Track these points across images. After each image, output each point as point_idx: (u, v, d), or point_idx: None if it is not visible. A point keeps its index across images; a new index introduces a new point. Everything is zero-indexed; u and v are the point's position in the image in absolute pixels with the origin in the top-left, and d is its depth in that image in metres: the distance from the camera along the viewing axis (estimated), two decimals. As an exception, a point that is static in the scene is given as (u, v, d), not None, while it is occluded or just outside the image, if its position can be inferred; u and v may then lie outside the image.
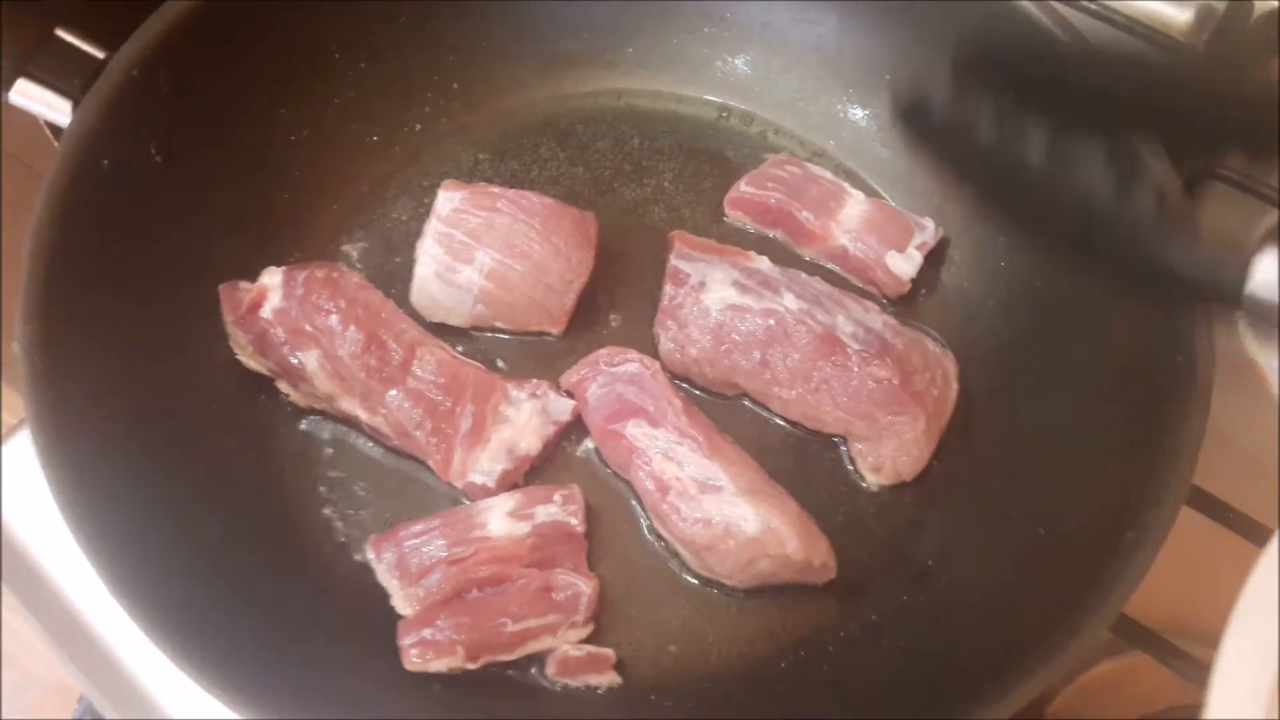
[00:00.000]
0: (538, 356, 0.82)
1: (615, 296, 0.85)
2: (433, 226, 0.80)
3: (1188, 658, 0.65)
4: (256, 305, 0.76)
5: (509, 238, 0.80)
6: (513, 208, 0.81)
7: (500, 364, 0.81)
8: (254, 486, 0.75)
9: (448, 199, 0.81)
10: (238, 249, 0.81)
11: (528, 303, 0.80)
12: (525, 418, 0.76)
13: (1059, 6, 0.85)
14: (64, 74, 0.72)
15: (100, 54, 0.73)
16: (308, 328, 0.75)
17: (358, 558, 0.74)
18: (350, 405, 0.76)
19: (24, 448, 0.81)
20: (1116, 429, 0.69)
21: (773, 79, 0.93)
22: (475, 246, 0.79)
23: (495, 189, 0.82)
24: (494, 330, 0.82)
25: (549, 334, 0.82)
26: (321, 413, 0.78)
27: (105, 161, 0.72)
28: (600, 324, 0.84)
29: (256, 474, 0.76)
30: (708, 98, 0.93)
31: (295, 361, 0.75)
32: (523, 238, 0.80)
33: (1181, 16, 0.98)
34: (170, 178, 0.76)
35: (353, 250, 0.86)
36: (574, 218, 0.82)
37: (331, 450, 0.78)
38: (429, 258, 0.80)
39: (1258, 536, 0.67)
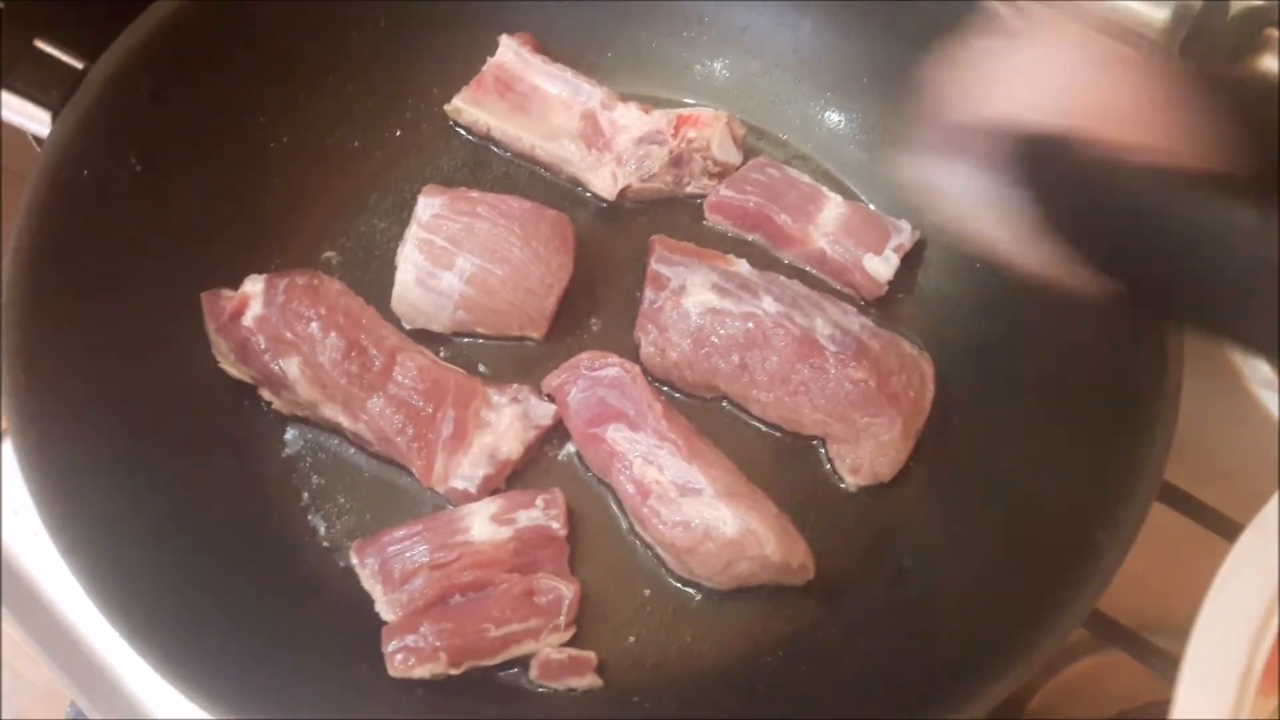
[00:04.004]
0: (519, 360, 0.83)
1: (597, 300, 0.85)
2: (413, 232, 0.81)
3: (1163, 654, 0.66)
4: (238, 313, 0.76)
5: (489, 243, 0.80)
6: (492, 212, 0.81)
7: (482, 369, 0.82)
8: (237, 493, 0.76)
9: (428, 204, 0.81)
10: (219, 257, 0.81)
11: (509, 308, 0.81)
12: (506, 422, 0.76)
13: (1034, 5, 0.86)
14: (43, 85, 0.72)
15: (79, 64, 0.73)
16: (289, 335, 0.75)
17: (342, 563, 0.75)
18: (332, 412, 0.76)
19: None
20: (1089, 428, 0.69)
21: (751, 82, 0.93)
22: (456, 252, 0.80)
23: (475, 194, 0.83)
24: (475, 335, 0.83)
25: (530, 338, 0.83)
26: (305, 420, 0.79)
27: (85, 171, 0.72)
28: (581, 328, 0.84)
29: (240, 481, 0.76)
30: (687, 101, 0.94)
31: (277, 369, 0.75)
32: (503, 243, 0.80)
33: (1158, 15, 0.99)
34: (151, 187, 0.76)
35: (334, 256, 0.86)
36: (552, 220, 0.82)
37: (314, 456, 0.79)
38: (409, 264, 0.80)
39: (1229, 531, 0.68)
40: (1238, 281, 0.43)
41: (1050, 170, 0.48)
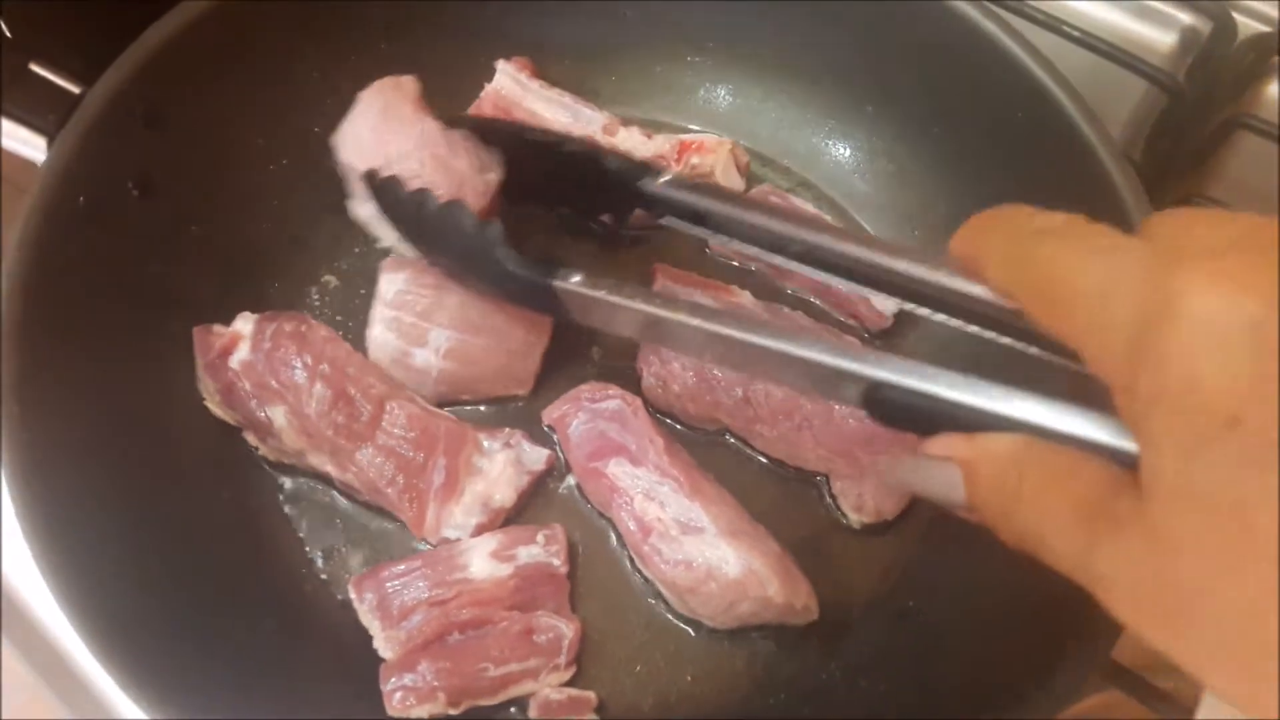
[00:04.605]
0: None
1: (599, 330, 0.84)
2: (379, 313, 0.78)
3: (1169, 698, 0.66)
4: (226, 352, 0.75)
5: (462, 313, 0.78)
6: (460, 282, 0.79)
7: (482, 408, 0.81)
8: (233, 524, 0.74)
9: (390, 281, 0.79)
10: (217, 282, 0.80)
11: (493, 374, 0.79)
12: (499, 469, 0.75)
13: (1040, 31, 0.85)
14: (38, 110, 0.71)
15: (76, 89, 0.72)
16: (273, 384, 0.74)
17: (340, 596, 0.74)
18: (319, 461, 0.74)
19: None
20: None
21: (755, 109, 0.93)
22: (428, 327, 0.77)
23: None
24: (460, 403, 0.81)
25: (517, 397, 0.82)
26: (291, 467, 0.77)
27: (81, 198, 0.70)
28: (583, 358, 0.83)
29: (235, 512, 0.75)
30: (691, 127, 0.93)
31: (263, 416, 0.74)
32: (476, 310, 0.78)
33: (1166, 41, 0.98)
34: (147, 212, 0.75)
35: (333, 280, 0.86)
36: None
37: (313, 486, 0.78)
38: (380, 346, 0.78)
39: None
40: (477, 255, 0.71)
41: (381, 195, 0.75)
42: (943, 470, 0.46)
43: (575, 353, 0.83)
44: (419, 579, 0.71)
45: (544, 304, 0.69)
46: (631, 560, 0.75)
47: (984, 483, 0.45)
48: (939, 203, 0.86)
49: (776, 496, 0.78)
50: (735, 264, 0.87)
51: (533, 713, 0.69)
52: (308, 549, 0.76)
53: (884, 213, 0.89)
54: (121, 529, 0.67)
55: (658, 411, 0.80)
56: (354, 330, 0.82)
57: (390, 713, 0.67)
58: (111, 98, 0.72)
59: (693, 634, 0.74)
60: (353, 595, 0.72)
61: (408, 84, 0.82)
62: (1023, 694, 0.61)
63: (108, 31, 0.75)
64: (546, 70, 0.92)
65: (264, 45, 0.81)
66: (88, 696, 0.76)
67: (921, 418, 0.51)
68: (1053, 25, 0.89)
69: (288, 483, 0.78)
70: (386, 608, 0.71)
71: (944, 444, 0.47)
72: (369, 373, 0.76)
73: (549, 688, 0.69)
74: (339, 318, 0.84)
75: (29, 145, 0.72)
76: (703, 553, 0.70)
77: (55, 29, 0.76)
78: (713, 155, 0.87)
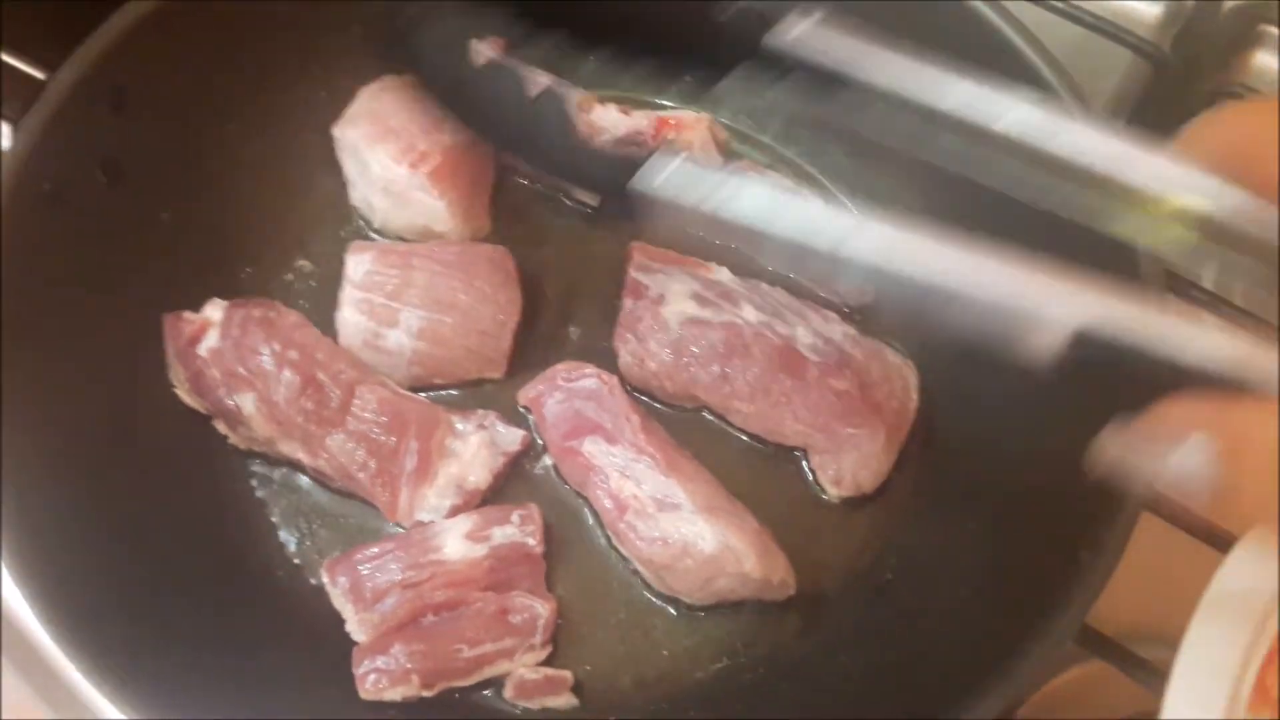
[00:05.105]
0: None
1: (576, 308, 0.83)
2: (348, 295, 0.78)
3: (1150, 667, 0.65)
4: (195, 340, 0.74)
5: (431, 292, 0.77)
6: (427, 262, 0.79)
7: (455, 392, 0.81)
8: (205, 512, 0.74)
9: (357, 262, 0.78)
10: (188, 269, 0.79)
11: (464, 354, 0.79)
12: (473, 450, 0.74)
13: (1023, 4, 0.84)
14: (2, 96, 0.71)
15: (40, 75, 0.72)
16: (242, 371, 0.73)
17: (313, 580, 0.73)
18: (291, 449, 0.74)
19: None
20: (1075, 440, 0.68)
21: (734, 85, 0.91)
22: (398, 307, 0.77)
23: (403, 246, 0.81)
24: (432, 388, 0.80)
25: (490, 379, 0.80)
26: (262, 456, 0.76)
27: (46, 184, 0.70)
28: (560, 336, 0.82)
29: (207, 499, 0.74)
30: (668, 104, 0.92)
31: (231, 404, 0.73)
32: (445, 290, 0.78)
33: (1151, 12, 0.97)
34: (115, 198, 0.74)
35: (307, 264, 0.85)
36: (489, 256, 0.80)
37: (284, 471, 0.77)
38: (352, 328, 0.77)
39: (1223, 543, 0.66)
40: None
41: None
42: (1187, 448, 0.37)
43: (551, 333, 0.82)
44: (392, 561, 0.70)
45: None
46: (608, 538, 0.74)
47: (1259, 461, 0.36)
48: (919, 178, 0.85)
49: (755, 472, 0.77)
50: (714, 240, 0.86)
51: (508, 693, 0.69)
52: (280, 534, 0.75)
53: (864, 187, 0.88)
54: (92, 518, 0.67)
55: (635, 390, 0.79)
56: (328, 315, 0.81)
57: (362, 696, 0.67)
58: (76, 83, 0.71)
59: (670, 611, 0.73)
60: (326, 579, 0.71)
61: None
62: (1002, 664, 0.60)
63: (74, 17, 0.75)
64: (523, 52, 0.91)
65: (233, 28, 0.80)
66: (70, 697, 0.75)
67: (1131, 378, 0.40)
68: (1036, -3, 0.88)
69: (260, 469, 0.77)
70: (360, 591, 0.70)
71: (1195, 413, 0.38)
72: (339, 358, 0.75)
73: (525, 668, 0.69)
74: (312, 303, 0.83)
75: (-7, 132, 0.71)
76: (679, 529, 0.69)
77: (19, 15, 0.76)
78: (691, 132, 0.86)
